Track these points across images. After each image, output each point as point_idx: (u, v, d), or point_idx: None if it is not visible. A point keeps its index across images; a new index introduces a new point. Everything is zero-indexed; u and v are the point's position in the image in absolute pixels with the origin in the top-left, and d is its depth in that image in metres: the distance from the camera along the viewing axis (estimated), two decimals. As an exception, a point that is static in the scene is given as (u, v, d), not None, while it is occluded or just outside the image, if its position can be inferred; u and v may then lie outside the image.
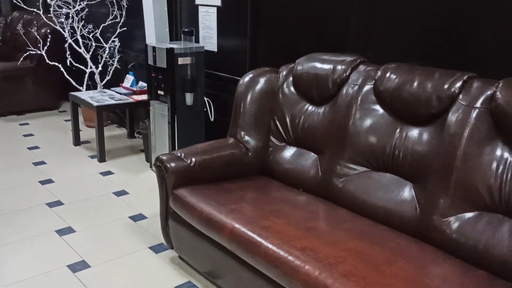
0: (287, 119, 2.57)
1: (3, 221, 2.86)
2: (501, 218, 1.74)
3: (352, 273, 1.63)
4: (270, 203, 2.21)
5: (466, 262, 1.78)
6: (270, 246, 1.83)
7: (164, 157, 2.37)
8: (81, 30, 4.45)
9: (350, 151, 2.23)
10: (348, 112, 2.27)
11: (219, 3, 3.35)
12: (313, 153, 2.45)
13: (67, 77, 4.48)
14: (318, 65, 2.46)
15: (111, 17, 4.37)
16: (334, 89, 2.38)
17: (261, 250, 1.84)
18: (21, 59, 4.90)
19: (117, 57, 4.46)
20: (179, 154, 2.42)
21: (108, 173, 3.67)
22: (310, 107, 2.51)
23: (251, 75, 2.68)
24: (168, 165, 2.33)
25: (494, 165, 1.77)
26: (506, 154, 1.76)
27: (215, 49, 3.47)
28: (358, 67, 2.36)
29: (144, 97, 3.95)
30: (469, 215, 1.81)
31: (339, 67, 2.38)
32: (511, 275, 1.66)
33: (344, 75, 2.35)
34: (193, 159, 2.40)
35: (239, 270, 2.01)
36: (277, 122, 2.61)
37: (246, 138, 2.61)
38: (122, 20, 4.32)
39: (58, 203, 3.13)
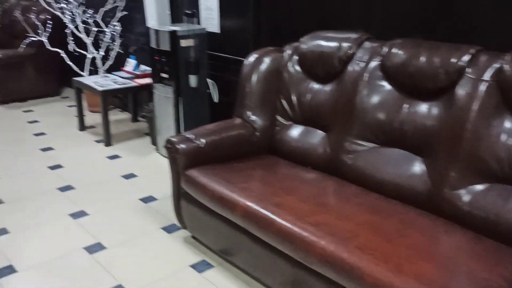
0: (293, 98, 2.59)
1: (17, 207, 2.90)
2: (510, 189, 1.78)
3: (367, 246, 1.67)
4: (279, 180, 2.25)
5: (477, 232, 1.82)
6: (284, 222, 1.86)
7: (174, 139, 2.40)
8: (81, 15, 4.42)
9: (358, 128, 2.26)
10: (355, 89, 2.29)
11: (220, -16, 3.34)
12: (320, 131, 2.48)
13: (69, 62, 4.47)
14: (323, 43, 2.47)
15: (111, 1, 4.34)
16: (340, 67, 2.40)
17: (275, 227, 1.88)
18: (24, 46, 4.88)
19: (119, 41, 4.44)
20: (188, 136, 2.44)
21: (115, 157, 3.70)
22: (316, 85, 2.52)
23: (256, 55, 2.69)
24: (179, 147, 2.36)
25: (504, 137, 1.80)
26: (514, 126, 1.79)
27: (218, 30, 3.46)
28: (363, 43, 2.37)
29: (147, 80, 3.95)
30: (479, 187, 1.84)
31: (344, 44, 2.39)
32: (522, 243, 1.71)
33: (350, 52, 2.36)
34: (203, 140, 2.42)
35: (253, 247, 2.06)
36: (283, 101, 2.63)
37: (253, 117, 2.63)
38: (122, 4, 4.29)
39: (69, 187, 3.17)
